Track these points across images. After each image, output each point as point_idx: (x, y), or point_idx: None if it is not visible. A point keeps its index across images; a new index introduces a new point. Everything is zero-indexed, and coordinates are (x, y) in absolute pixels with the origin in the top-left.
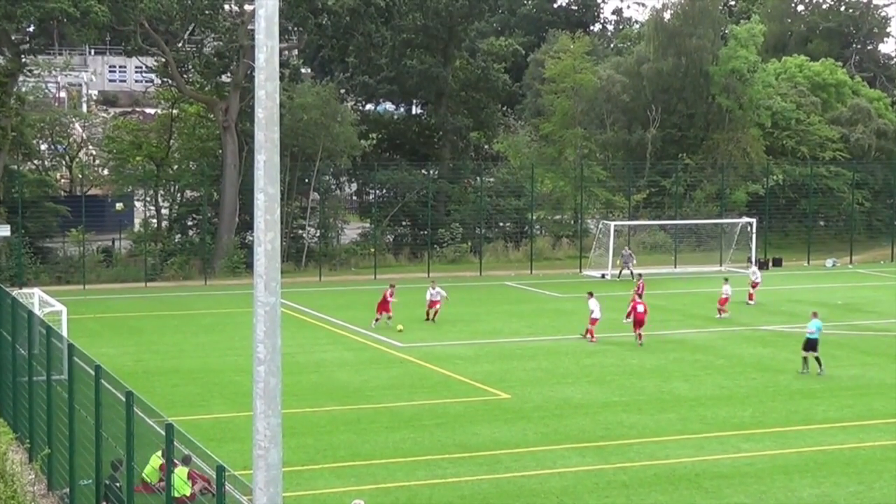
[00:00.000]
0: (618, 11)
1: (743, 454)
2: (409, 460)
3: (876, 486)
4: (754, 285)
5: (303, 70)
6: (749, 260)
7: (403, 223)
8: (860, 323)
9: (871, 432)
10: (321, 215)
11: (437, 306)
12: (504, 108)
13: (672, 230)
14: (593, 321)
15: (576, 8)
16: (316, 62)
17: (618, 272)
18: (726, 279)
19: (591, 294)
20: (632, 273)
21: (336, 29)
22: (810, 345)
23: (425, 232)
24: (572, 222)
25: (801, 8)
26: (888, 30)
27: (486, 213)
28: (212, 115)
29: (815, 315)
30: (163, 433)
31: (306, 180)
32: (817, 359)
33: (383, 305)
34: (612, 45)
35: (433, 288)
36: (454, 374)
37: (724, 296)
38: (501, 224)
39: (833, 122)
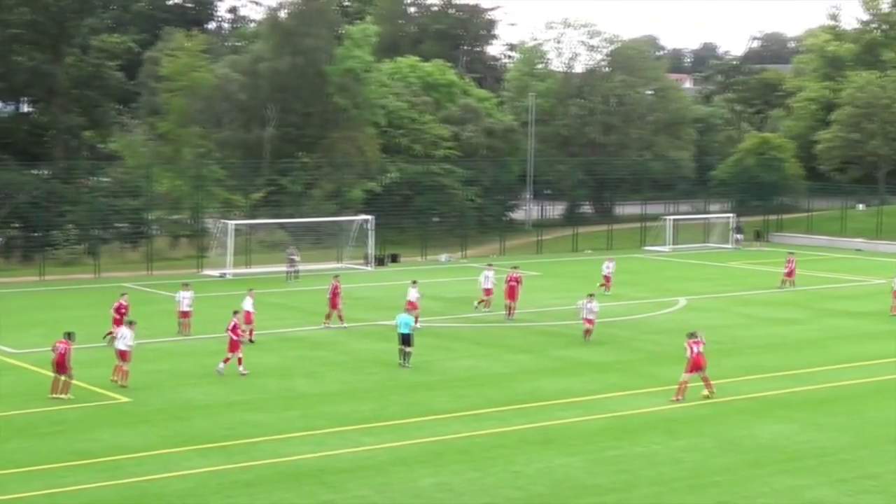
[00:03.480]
0: (233, 10)
1: (364, 448)
2: (24, 471)
3: (491, 472)
4: None
5: None
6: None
7: (14, 225)
8: (473, 315)
9: (486, 420)
10: None
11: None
12: (119, 107)
13: (291, 228)
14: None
15: (191, 5)
16: None
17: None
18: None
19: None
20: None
21: None
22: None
23: (38, 234)
24: (191, 222)
25: (412, 10)
26: (494, 32)
27: (102, 214)
28: None
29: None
30: None
31: None
32: (409, 353)
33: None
34: (228, 44)
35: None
36: (72, 380)
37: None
38: (118, 225)
39: (445, 121)
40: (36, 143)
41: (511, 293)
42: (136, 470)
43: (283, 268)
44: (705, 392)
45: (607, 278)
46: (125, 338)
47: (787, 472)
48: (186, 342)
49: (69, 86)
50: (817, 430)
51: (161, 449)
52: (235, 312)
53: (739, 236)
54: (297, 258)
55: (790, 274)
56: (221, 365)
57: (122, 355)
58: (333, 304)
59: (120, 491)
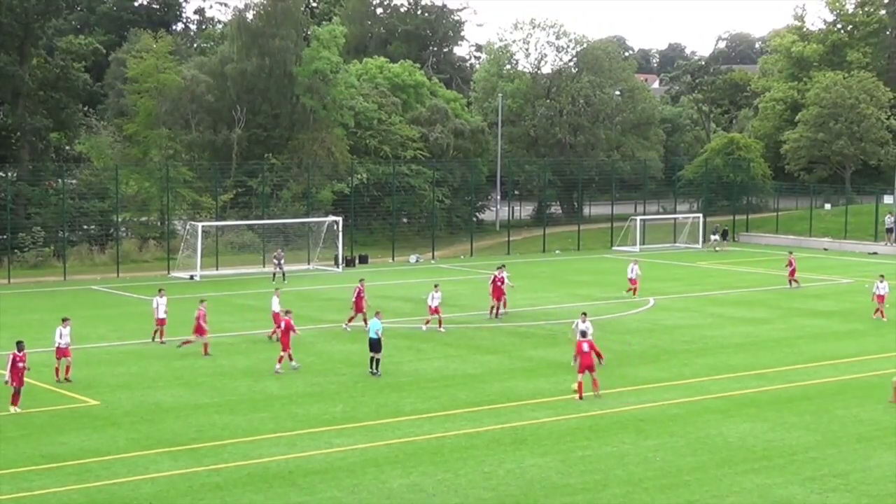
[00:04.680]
0: (200, 11)
1: (335, 449)
2: None
3: (461, 472)
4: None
5: None
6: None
7: None
8: (442, 316)
9: (456, 421)
10: None
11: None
12: (86, 108)
13: (260, 230)
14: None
15: (157, 7)
16: None
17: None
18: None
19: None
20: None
21: None
22: (374, 345)
23: (5, 237)
24: (159, 224)
25: (380, 11)
26: (462, 33)
27: (70, 216)
28: None
29: (377, 315)
30: None
31: None
32: (378, 360)
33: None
34: (195, 45)
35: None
36: (38, 383)
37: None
38: (86, 227)
39: (413, 121)
40: (2, 145)
41: (497, 293)
42: (104, 473)
43: (269, 269)
44: (594, 392)
45: (633, 281)
46: (63, 336)
47: (757, 471)
48: (155, 344)
49: (35, 87)
50: (786, 428)
51: (130, 452)
52: (287, 312)
53: (715, 237)
54: (283, 261)
55: (793, 273)
56: (278, 366)
57: (63, 352)
58: (359, 308)
59: (88, 494)
